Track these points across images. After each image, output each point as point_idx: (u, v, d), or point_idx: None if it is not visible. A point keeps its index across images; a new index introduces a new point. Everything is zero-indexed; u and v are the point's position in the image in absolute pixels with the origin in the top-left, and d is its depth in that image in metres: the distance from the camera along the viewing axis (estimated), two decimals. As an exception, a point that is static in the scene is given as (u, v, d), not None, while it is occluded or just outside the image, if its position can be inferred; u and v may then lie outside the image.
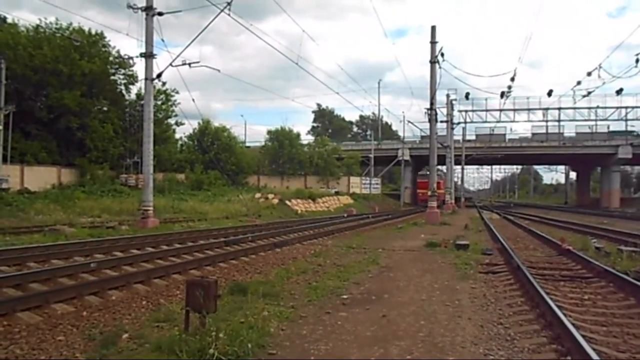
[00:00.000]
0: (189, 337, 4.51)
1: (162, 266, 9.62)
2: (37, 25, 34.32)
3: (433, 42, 25.69)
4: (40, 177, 31.20)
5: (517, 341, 5.16)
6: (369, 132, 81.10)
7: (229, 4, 18.08)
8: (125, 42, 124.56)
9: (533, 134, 57.33)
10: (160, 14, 19.63)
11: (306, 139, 61.78)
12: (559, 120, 54.95)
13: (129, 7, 19.27)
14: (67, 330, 5.66)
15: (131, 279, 8.11)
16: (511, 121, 56.28)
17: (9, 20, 36.67)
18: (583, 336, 4.85)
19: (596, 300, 7.24)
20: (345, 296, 7.24)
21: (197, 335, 4.54)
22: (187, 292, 4.85)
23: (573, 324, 5.27)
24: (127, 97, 39.61)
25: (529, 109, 54.86)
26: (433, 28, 25.92)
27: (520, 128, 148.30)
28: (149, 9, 19.40)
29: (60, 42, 33.40)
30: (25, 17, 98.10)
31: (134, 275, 8.47)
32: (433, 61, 25.55)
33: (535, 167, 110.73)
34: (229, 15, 18.16)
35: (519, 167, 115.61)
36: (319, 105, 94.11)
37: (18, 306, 6.17)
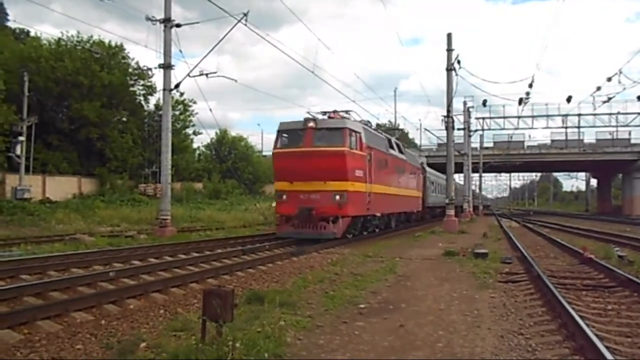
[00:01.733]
0: (206, 347, 4.51)
1: (179, 275, 9.67)
2: (59, 39, 35.17)
3: (449, 50, 25.55)
4: (62, 187, 31.77)
5: (538, 352, 5.05)
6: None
7: (245, 14, 18.27)
8: (144, 54, 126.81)
9: (552, 141, 56.47)
10: (178, 25, 19.90)
11: (322, 147, 61.69)
12: (578, 127, 53.96)
13: (148, 19, 19.58)
14: (85, 339, 5.70)
15: (149, 288, 8.17)
16: (529, 128, 55.43)
17: (32, 34, 37.63)
18: (607, 347, 4.73)
19: (620, 310, 7.06)
20: (362, 305, 7.19)
21: (214, 344, 4.54)
22: (204, 301, 4.85)
23: (597, 335, 5.15)
24: (145, 107, 40.27)
25: (547, 116, 54.02)
26: (449, 35, 25.81)
27: (539, 135, 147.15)
28: (167, 21, 19.68)
29: (81, 54, 34.11)
30: (47, 31, 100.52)
31: (152, 284, 8.53)
32: (449, 68, 25.40)
33: (555, 174, 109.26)
34: (245, 25, 18.37)
35: (538, 174, 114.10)
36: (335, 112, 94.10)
37: (38, 314, 6.25)
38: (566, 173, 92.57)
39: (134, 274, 9.79)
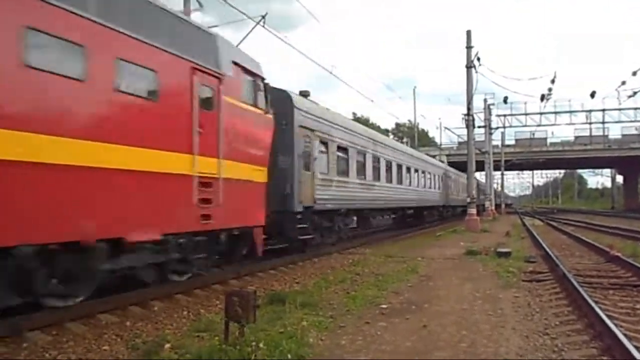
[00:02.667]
0: (229, 347, 4.55)
1: (202, 276, 9.73)
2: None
3: (469, 47, 25.31)
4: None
5: (565, 352, 4.97)
6: (405, 140, 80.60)
7: (263, 17, 18.34)
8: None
9: (576, 137, 55.57)
10: (196, 29, 20.02)
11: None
12: (603, 122, 52.97)
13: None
14: (111, 340, 5.80)
15: (172, 290, 8.24)
16: (552, 124, 54.57)
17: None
18: (636, 347, 4.62)
19: (649, 310, 6.90)
20: (384, 306, 7.16)
21: (237, 345, 4.57)
22: (226, 302, 4.89)
23: (625, 335, 5.04)
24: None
25: (570, 112, 53.16)
26: (468, 33, 25.56)
27: (562, 132, 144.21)
28: (185, 25, 19.85)
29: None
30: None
31: (175, 285, 8.60)
32: (469, 66, 25.16)
33: (579, 171, 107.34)
34: (263, 26, 18.42)
35: (562, 171, 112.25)
36: (354, 113, 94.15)
37: (66, 316, 6.37)
38: (591, 170, 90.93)
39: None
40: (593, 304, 6.28)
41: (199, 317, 6.86)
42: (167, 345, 5.30)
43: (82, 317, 6.50)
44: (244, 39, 20.45)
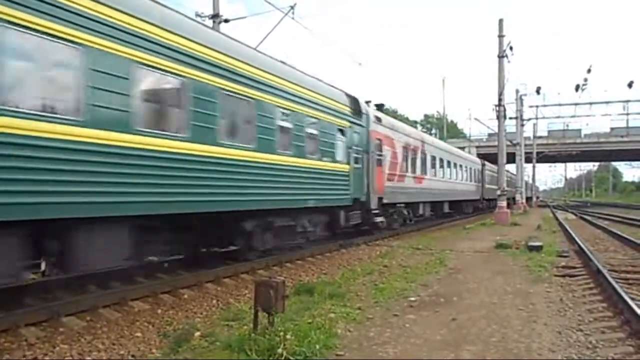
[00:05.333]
0: (258, 337, 4.58)
1: (231, 266, 9.85)
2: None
3: (501, 36, 24.77)
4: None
5: (599, 349, 4.84)
6: (433, 131, 79.69)
7: (292, 7, 18.31)
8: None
9: (612, 129, 53.87)
10: (226, 20, 20.17)
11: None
12: (642, 113, 51.19)
13: (197, 15, 19.96)
14: (143, 327, 5.94)
15: (202, 278, 8.38)
16: (587, 115, 53.02)
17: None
18: (675, 346, 4.48)
19: (689, 307, 6.66)
20: (412, 298, 7.11)
21: (265, 334, 4.60)
22: (255, 292, 4.93)
23: (663, 333, 4.89)
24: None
25: (607, 102, 51.55)
26: (500, 21, 25.00)
27: (598, 122, 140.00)
28: (215, 17, 20.00)
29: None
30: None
31: (204, 274, 8.74)
32: (501, 55, 24.63)
33: (615, 163, 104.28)
34: (292, 18, 18.38)
35: (596, 164, 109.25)
36: (382, 104, 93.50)
37: (100, 302, 6.54)
38: (627, 162, 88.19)
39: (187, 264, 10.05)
40: (629, 300, 6.10)
41: (228, 306, 6.96)
42: (197, 333, 5.39)
43: (115, 304, 6.67)
44: (272, 29, 20.46)
